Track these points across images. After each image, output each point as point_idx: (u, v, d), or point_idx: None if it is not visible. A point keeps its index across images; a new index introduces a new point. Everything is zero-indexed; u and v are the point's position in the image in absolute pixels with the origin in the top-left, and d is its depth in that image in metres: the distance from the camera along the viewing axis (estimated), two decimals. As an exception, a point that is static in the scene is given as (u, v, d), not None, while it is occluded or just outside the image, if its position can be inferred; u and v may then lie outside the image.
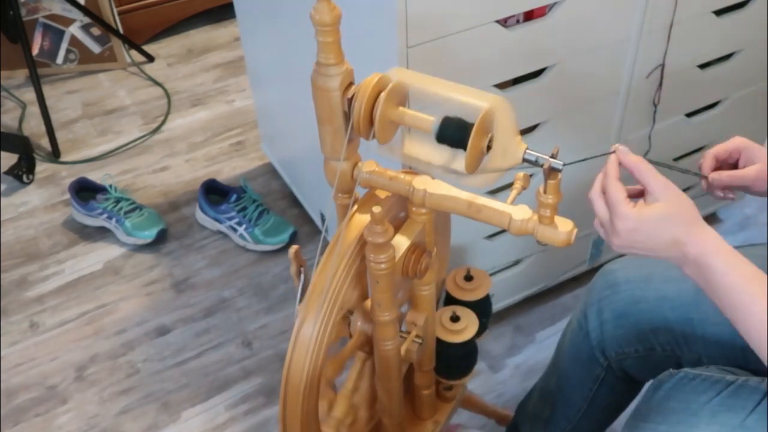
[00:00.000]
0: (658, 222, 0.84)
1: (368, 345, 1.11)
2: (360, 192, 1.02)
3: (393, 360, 1.08)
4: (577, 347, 1.21)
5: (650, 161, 0.87)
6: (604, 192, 0.88)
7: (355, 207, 0.99)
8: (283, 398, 0.97)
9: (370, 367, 1.17)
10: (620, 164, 0.88)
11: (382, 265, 0.94)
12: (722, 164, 1.05)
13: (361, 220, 0.97)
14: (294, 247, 1.01)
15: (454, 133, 0.86)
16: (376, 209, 0.89)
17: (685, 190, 1.76)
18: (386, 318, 1.02)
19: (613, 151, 0.88)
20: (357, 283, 1.01)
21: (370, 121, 0.90)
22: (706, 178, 1.03)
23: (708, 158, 1.04)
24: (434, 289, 1.10)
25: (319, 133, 0.95)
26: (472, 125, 0.85)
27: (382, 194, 1.00)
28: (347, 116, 0.91)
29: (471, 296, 1.20)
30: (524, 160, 0.85)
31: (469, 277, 1.21)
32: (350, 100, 0.89)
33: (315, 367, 0.95)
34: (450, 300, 1.21)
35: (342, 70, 0.89)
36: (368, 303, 1.10)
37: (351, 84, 0.91)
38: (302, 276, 1.02)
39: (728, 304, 0.84)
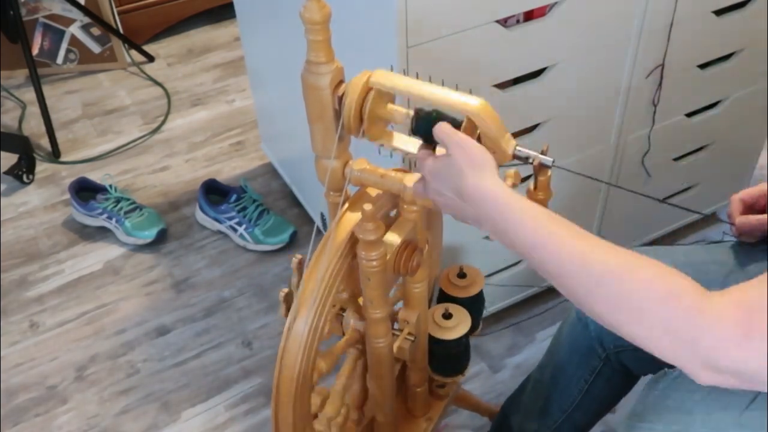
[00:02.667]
0: (443, 168, 0.85)
1: (361, 342, 1.11)
2: (351, 190, 1.02)
3: (385, 357, 1.09)
4: (576, 339, 1.21)
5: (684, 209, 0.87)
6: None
7: (346, 205, 0.99)
8: (276, 395, 0.97)
9: (362, 366, 1.17)
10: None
11: (374, 263, 0.94)
12: (749, 208, 1.06)
13: (352, 217, 0.97)
14: (297, 257, 1.01)
15: (420, 123, 0.87)
16: (367, 206, 0.89)
17: (685, 191, 1.76)
18: (378, 315, 1.02)
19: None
20: (349, 281, 1.01)
21: (360, 119, 0.90)
22: (733, 224, 1.04)
23: (734, 203, 1.05)
24: (426, 286, 1.11)
25: (309, 131, 0.95)
26: (445, 116, 0.86)
27: (372, 192, 1.00)
28: (337, 114, 0.91)
29: (464, 293, 1.20)
30: (514, 156, 0.86)
31: (462, 275, 1.22)
32: (340, 98, 0.90)
33: (307, 364, 0.95)
34: (443, 297, 1.22)
35: (332, 68, 0.89)
36: (362, 300, 1.11)
37: (341, 82, 0.91)
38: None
39: (521, 235, 0.81)
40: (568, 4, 1.25)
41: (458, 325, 1.16)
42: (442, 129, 0.86)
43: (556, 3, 1.24)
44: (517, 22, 1.26)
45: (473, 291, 1.21)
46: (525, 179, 1.30)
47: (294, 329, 0.94)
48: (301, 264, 1.02)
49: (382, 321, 1.04)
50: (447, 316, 1.17)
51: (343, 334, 1.10)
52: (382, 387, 1.15)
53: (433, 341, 1.17)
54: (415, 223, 1.01)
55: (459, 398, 1.44)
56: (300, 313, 0.94)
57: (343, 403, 1.07)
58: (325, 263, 0.94)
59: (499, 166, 0.85)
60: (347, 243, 0.96)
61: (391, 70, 0.92)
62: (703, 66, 1.52)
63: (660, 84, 1.46)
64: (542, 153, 0.84)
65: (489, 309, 1.66)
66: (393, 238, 0.98)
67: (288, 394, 0.96)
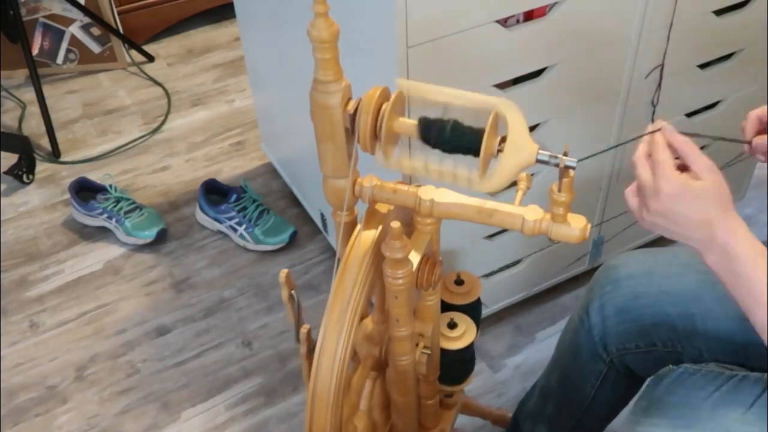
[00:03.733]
0: (699, 196, 0.83)
1: (377, 366, 1.10)
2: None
3: (409, 374, 1.08)
4: (579, 343, 1.21)
5: (690, 134, 0.86)
6: (649, 156, 0.86)
7: (360, 224, 0.97)
8: (309, 424, 0.95)
9: (380, 386, 1.16)
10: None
11: (400, 281, 0.92)
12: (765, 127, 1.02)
13: (368, 236, 0.95)
14: (284, 272, 0.99)
15: (439, 134, 0.86)
16: (395, 224, 0.87)
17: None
18: (403, 333, 1.01)
19: (658, 129, 0.87)
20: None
21: (375, 135, 0.87)
22: (749, 143, 1.00)
23: (751, 120, 1.01)
24: (439, 298, 1.09)
25: (318, 152, 0.92)
26: (462, 125, 0.85)
27: (382, 208, 0.98)
28: (348, 133, 0.89)
29: (464, 300, 1.19)
30: (537, 160, 0.85)
31: (459, 281, 1.21)
32: (352, 116, 0.87)
33: (339, 388, 0.93)
34: (442, 306, 1.21)
35: (341, 86, 0.86)
36: (367, 323, 1.10)
37: (349, 99, 0.89)
38: (295, 300, 1.01)
39: (747, 295, 0.82)
40: (568, 4, 1.25)
41: (465, 333, 1.16)
42: (688, 146, 0.85)
43: (556, 3, 1.24)
44: (517, 22, 1.26)
45: (472, 297, 1.20)
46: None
47: (324, 353, 0.91)
48: (288, 278, 1.00)
49: (407, 338, 1.02)
50: (452, 325, 1.16)
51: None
52: (406, 404, 1.14)
53: (442, 352, 1.16)
54: (431, 236, 0.99)
55: (463, 405, 1.44)
56: (328, 344, 0.91)
57: (373, 423, 1.06)
58: (350, 285, 0.91)
59: (522, 170, 0.85)
60: (370, 263, 0.93)
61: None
62: (702, 66, 1.52)
63: (659, 84, 1.46)
64: (564, 154, 0.84)
65: (489, 309, 1.66)
66: (413, 253, 0.96)
67: (323, 419, 0.94)
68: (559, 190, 0.85)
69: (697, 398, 0.94)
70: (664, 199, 0.84)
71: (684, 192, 0.83)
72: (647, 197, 0.85)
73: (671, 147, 0.86)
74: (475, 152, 0.85)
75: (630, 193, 0.89)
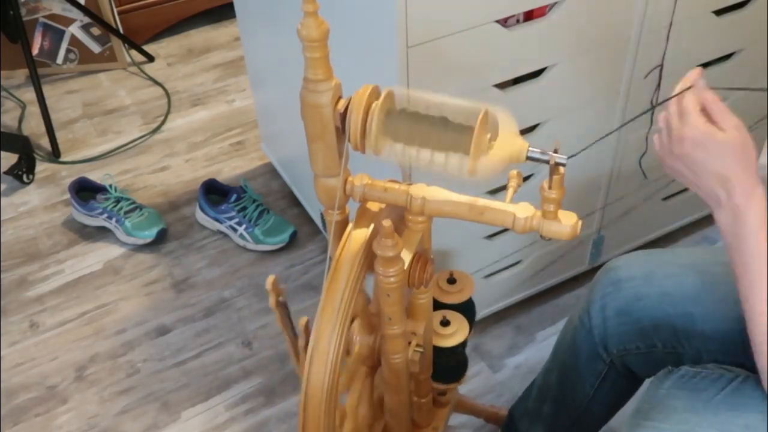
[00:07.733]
0: (723, 147, 0.83)
1: (370, 358, 1.11)
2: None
3: (403, 372, 1.08)
4: (579, 344, 1.21)
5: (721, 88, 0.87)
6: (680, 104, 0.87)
7: (352, 223, 0.97)
8: (303, 424, 0.95)
9: (370, 385, 1.16)
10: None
11: (392, 279, 0.93)
12: None
13: (359, 234, 0.95)
14: (271, 278, 0.99)
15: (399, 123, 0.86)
16: (386, 223, 0.87)
17: (685, 191, 1.76)
18: (396, 331, 1.01)
19: (691, 86, 0.88)
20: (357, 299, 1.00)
21: (365, 134, 0.87)
22: None
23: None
24: (431, 296, 1.10)
25: (309, 151, 0.92)
26: (452, 123, 0.85)
27: (373, 207, 0.98)
28: (339, 131, 0.89)
29: (456, 299, 1.19)
30: (528, 158, 0.85)
31: (452, 280, 1.21)
32: (343, 115, 0.88)
33: (332, 387, 0.93)
34: (434, 304, 1.21)
35: (331, 85, 0.86)
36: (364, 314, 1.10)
37: (340, 98, 0.89)
38: (284, 306, 1.02)
39: (742, 263, 0.82)
40: (568, 4, 1.25)
41: (457, 331, 1.16)
42: (717, 104, 0.85)
43: (556, 3, 1.24)
44: (517, 22, 1.26)
45: (464, 296, 1.20)
46: (526, 178, 1.30)
47: (317, 354, 0.91)
48: (275, 285, 1.00)
49: (400, 336, 1.03)
50: (445, 323, 1.16)
51: (348, 352, 1.09)
52: (400, 401, 1.14)
53: (434, 350, 1.16)
54: (423, 234, 0.99)
55: (457, 403, 1.44)
56: (321, 338, 0.91)
57: (358, 423, 1.06)
58: (342, 285, 0.92)
59: (510, 162, 0.85)
60: (362, 261, 0.94)
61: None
62: (703, 66, 1.52)
63: (658, 84, 1.46)
64: (554, 151, 0.84)
65: (489, 309, 1.66)
66: (404, 252, 0.96)
67: (316, 418, 0.94)
68: (550, 187, 0.86)
69: (699, 401, 0.94)
70: (687, 144, 0.84)
71: (706, 140, 0.83)
72: (672, 142, 0.86)
73: (703, 103, 0.86)
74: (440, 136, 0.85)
75: (657, 137, 0.90)
